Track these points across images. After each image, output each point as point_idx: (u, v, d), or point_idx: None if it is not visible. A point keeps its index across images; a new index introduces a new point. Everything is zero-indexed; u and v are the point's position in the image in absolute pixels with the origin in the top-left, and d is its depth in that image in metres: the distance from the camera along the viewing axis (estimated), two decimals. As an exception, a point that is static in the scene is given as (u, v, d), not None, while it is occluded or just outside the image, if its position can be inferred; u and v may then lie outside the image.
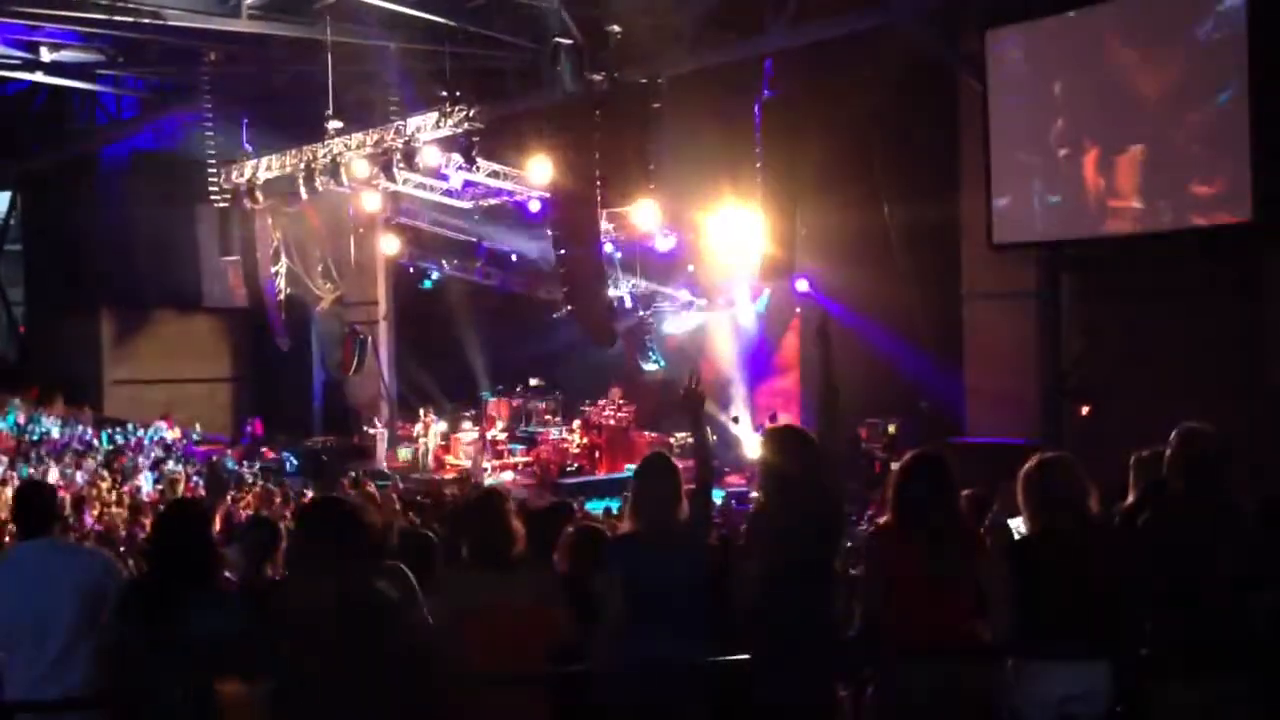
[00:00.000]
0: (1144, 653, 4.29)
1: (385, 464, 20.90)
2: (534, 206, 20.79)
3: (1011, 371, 15.84)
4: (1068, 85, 14.71)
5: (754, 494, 14.69)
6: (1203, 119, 13.46)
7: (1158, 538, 4.34)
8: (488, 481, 18.25)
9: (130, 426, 21.83)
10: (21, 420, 20.84)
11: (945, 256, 16.93)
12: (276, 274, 22.70)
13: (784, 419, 18.80)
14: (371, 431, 22.30)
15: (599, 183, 16.22)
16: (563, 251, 17.60)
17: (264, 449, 22.54)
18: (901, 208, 17.38)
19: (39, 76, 19.69)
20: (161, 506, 13.69)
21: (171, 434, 22.07)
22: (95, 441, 20.49)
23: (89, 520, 12.22)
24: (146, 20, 16.37)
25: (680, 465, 4.83)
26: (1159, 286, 14.24)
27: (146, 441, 20.99)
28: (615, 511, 12.29)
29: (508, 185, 20.10)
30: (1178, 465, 4.43)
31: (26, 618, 4.56)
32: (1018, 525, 4.91)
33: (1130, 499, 5.11)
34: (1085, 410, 15.21)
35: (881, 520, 4.60)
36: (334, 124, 18.43)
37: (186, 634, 4.17)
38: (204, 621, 4.20)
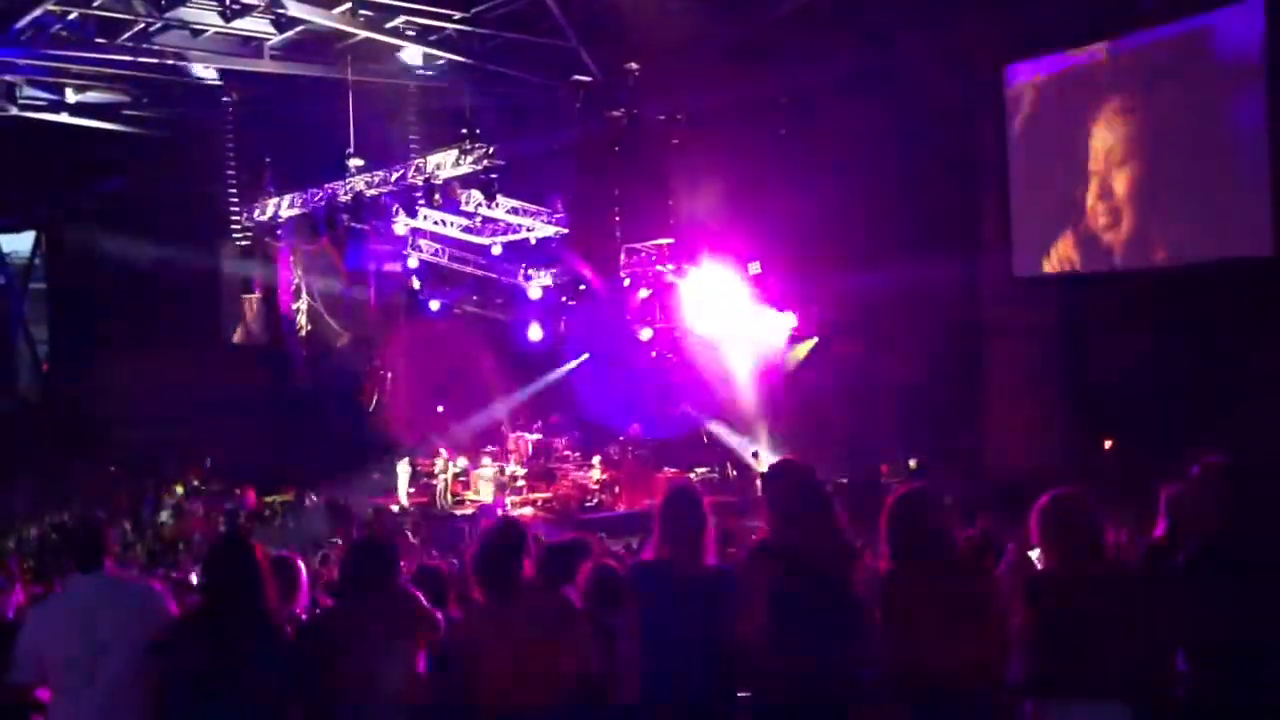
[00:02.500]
0: (1178, 694, 4.22)
1: (405, 500, 20.91)
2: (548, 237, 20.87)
3: (1034, 406, 15.76)
4: (1086, 119, 14.73)
5: (756, 524, 14.66)
6: (1222, 154, 13.46)
7: (1206, 579, 4.25)
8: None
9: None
10: None
11: (966, 291, 16.89)
12: (297, 311, 22.81)
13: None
14: (395, 467, 22.30)
15: (618, 218, 16.30)
16: (581, 287, 17.65)
17: (283, 486, 22.54)
18: (922, 241, 17.37)
19: (64, 117, 19.91)
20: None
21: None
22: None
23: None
24: (171, 62, 16.60)
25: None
26: (1181, 319, 14.19)
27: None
28: (635, 547, 12.23)
29: (527, 221, 20.22)
30: (1219, 503, 4.36)
31: (77, 652, 4.54)
32: (1036, 558, 4.86)
33: (1160, 533, 5.04)
34: (1109, 444, 15.11)
35: (889, 558, 4.53)
36: (355, 162, 18.57)
37: (242, 669, 4.23)
38: (259, 655, 4.27)
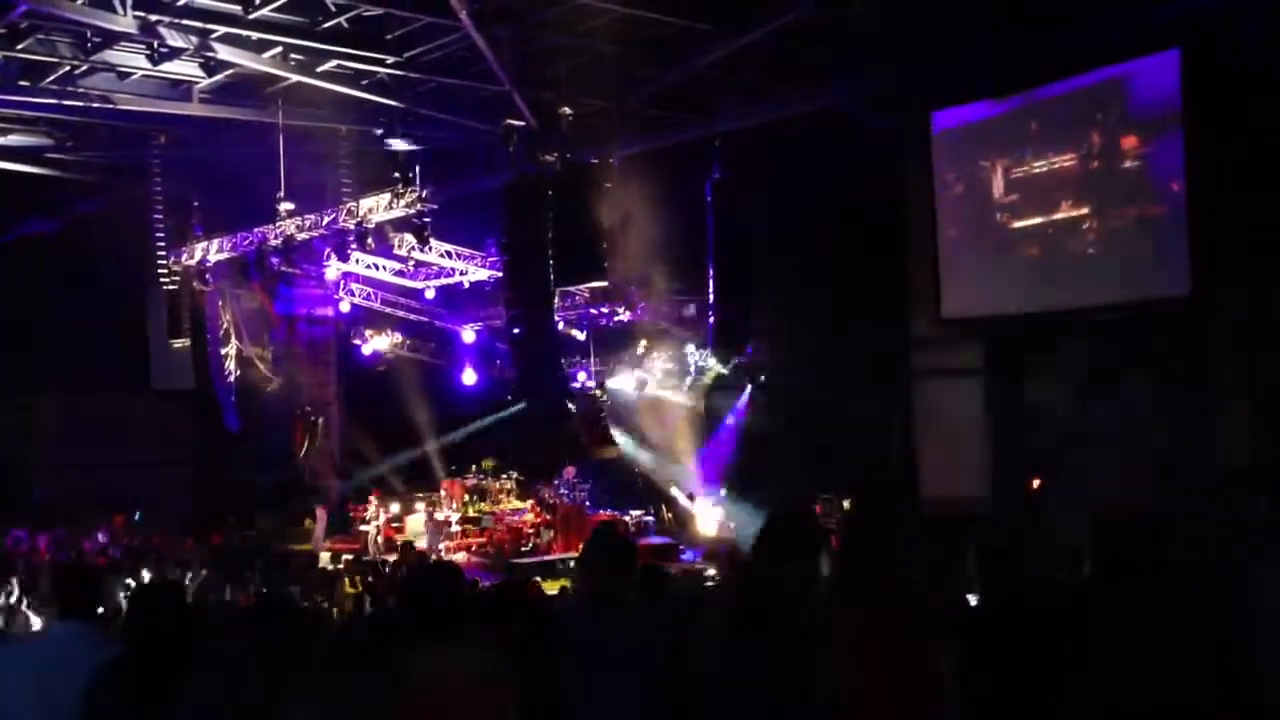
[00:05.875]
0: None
1: (324, 547, 20.64)
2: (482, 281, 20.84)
3: (962, 445, 15.96)
4: (1010, 164, 15.06)
5: (710, 570, 14.66)
6: (1142, 198, 13.82)
7: (1113, 612, 4.33)
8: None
9: None
10: None
11: (896, 332, 17.13)
12: (226, 356, 22.50)
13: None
14: (316, 513, 22.01)
15: (552, 262, 16.31)
16: (515, 331, 17.60)
17: (213, 535, 22.13)
18: (852, 283, 17.61)
19: (-14, 160, 19.57)
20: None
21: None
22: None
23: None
24: (97, 105, 16.39)
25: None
26: (1105, 359, 14.49)
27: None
28: (570, 590, 12.17)
29: (460, 265, 20.18)
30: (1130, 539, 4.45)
31: (30, 708, 4.37)
32: (972, 599, 4.89)
33: (1087, 570, 5.10)
34: (1036, 483, 15.34)
35: (831, 595, 4.54)
36: (285, 205, 18.42)
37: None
38: (181, 706, 4.14)
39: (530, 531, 20.22)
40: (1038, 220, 14.90)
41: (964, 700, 4.22)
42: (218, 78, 16.17)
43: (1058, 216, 14.71)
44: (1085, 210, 14.45)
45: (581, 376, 20.90)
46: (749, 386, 20.36)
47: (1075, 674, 4.20)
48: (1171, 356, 13.77)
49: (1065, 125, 14.58)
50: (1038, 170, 14.85)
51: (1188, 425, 13.50)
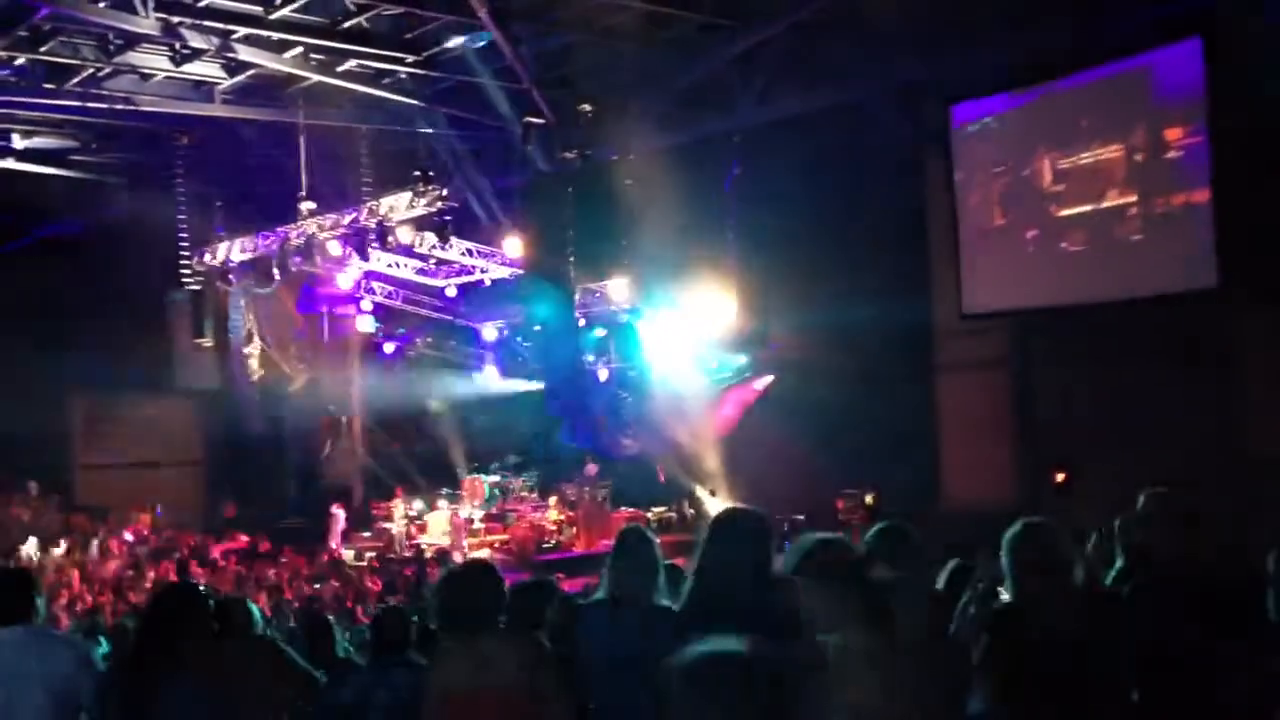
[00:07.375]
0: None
1: (340, 546, 20.69)
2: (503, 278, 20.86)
3: (986, 440, 15.89)
4: (1031, 156, 14.98)
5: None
6: (1165, 188, 13.71)
7: (1154, 604, 4.28)
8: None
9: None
10: None
11: (918, 327, 17.05)
12: (249, 356, 22.60)
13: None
14: (334, 513, 22.06)
15: (572, 259, 16.33)
16: (536, 328, 17.64)
17: (236, 533, 22.24)
18: (873, 279, 17.54)
19: (10, 163, 19.68)
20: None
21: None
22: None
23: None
24: (120, 106, 16.49)
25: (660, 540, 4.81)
26: (1130, 352, 14.40)
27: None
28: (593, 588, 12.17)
29: (481, 263, 20.21)
30: (1163, 530, 4.41)
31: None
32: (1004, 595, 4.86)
33: (1119, 564, 5.06)
34: (1060, 477, 15.25)
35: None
36: (307, 205, 18.49)
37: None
38: (177, 707, 4.16)
39: (553, 529, 20.24)
40: (1059, 212, 14.80)
41: (994, 699, 4.18)
42: (239, 78, 16.25)
43: (1079, 208, 14.61)
44: (1111, 200, 14.33)
45: (603, 373, 20.90)
46: (770, 379, 20.30)
47: (1109, 670, 4.17)
48: (1200, 348, 13.67)
49: (1087, 116, 14.48)
50: (1058, 162, 14.76)
51: (1217, 417, 13.41)
